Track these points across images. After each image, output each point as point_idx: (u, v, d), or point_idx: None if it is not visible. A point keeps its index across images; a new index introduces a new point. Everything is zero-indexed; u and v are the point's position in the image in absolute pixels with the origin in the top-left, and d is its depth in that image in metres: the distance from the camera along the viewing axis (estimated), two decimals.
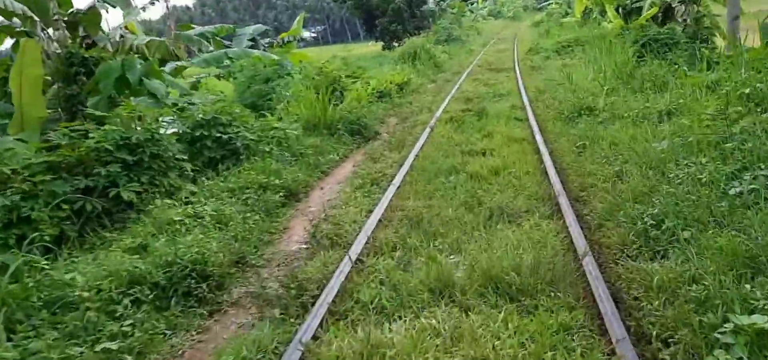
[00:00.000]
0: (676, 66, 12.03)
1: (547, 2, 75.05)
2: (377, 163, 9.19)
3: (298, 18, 25.03)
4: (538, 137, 9.22)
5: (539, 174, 7.39)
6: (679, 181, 5.61)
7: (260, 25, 28.93)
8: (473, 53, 31.35)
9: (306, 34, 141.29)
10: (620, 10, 28.15)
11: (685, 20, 18.31)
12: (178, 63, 14.58)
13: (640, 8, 27.49)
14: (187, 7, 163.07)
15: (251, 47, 24.07)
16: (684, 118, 7.80)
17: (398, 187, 7.52)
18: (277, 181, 8.12)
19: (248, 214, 6.97)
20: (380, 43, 38.29)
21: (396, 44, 33.85)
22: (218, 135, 9.45)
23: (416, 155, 9.18)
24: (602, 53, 17.71)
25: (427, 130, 11.24)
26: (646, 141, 7.29)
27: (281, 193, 7.88)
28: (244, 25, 28.29)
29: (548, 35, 34.86)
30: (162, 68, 13.89)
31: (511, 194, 6.71)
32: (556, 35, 30.09)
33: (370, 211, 6.69)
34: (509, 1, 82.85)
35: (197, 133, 9.40)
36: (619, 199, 5.70)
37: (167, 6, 16.94)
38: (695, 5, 18.42)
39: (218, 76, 22.59)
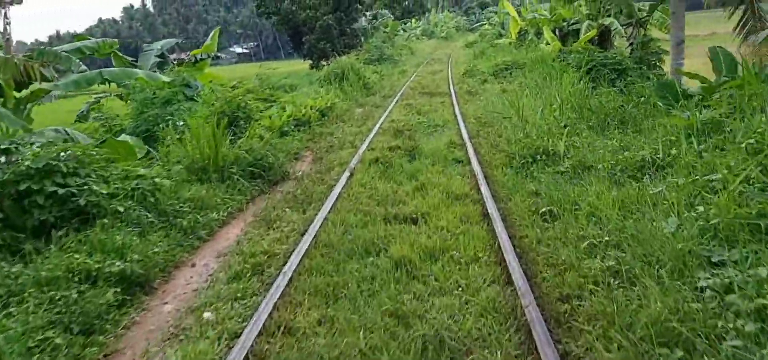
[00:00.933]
0: (640, 98, 10.13)
1: (480, 23, 74.94)
2: (270, 232, 6.62)
3: (212, 33, 22.20)
4: (486, 192, 6.92)
5: (494, 263, 5.03)
6: (730, 308, 3.35)
7: (171, 39, 25.86)
8: (406, 74, 29.28)
9: (238, 49, 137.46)
10: (557, 31, 26.83)
11: (631, 44, 16.78)
12: (41, 85, 11.53)
13: (578, 31, 26.23)
14: (114, 21, 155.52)
15: (160, 65, 21.23)
16: (681, 175, 5.69)
17: (289, 281, 5.02)
18: (116, 265, 5.47)
19: (50, 337, 4.34)
20: (309, 61, 35.67)
21: (325, 63, 31.39)
22: (54, 189, 6.70)
23: (325, 218, 6.70)
24: (547, 79, 15.89)
25: (346, 174, 8.81)
26: (642, 215, 5.09)
27: (119, 287, 5.25)
28: (166, 39, 25.18)
29: (483, 56, 33.32)
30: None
31: (456, 305, 4.32)
32: (492, 57, 28.44)
33: (236, 336, 4.18)
34: (442, 22, 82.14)
35: (23, 187, 6.62)
36: (635, 337, 3.39)
37: (5, 15, 13.47)
38: (642, 28, 16.92)
39: (121, 97, 19.49)
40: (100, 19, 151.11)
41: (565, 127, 9.03)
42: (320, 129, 14.10)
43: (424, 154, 9.72)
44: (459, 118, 13.40)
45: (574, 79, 14.19)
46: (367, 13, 48.58)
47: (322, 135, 13.37)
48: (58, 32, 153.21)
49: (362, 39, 47.18)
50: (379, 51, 37.80)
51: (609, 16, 24.47)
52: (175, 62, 21.65)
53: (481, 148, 9.65)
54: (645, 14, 17.11)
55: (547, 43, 25.66)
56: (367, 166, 9.16)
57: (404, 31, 65.80)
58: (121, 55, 18.66)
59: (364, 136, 12.18)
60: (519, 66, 21.81)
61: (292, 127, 13.85)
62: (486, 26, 60.28)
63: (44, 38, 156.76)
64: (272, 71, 22.43)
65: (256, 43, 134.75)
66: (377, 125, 13.51)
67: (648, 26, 17.27)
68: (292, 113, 14.27)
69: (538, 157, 7.88)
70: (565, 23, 27.06)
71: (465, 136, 10.85)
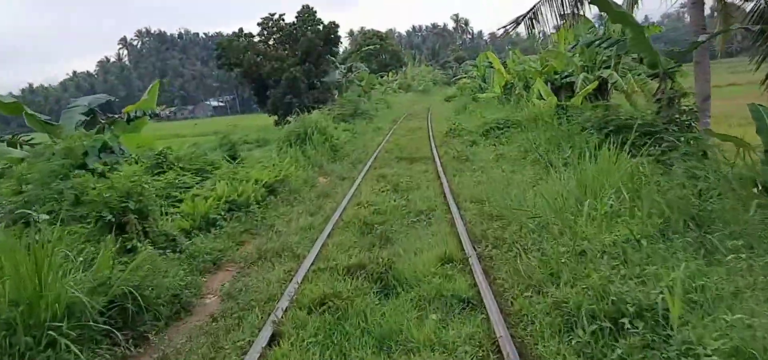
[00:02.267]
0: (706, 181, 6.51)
1: (458, 77, 72.34)
2: None
3: (150, 86, 18.34)
4: None
5: None
6: None
7: (101, 95, 21.95)
8: (381, 132, 25.62)
9: (213, 103, 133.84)
10: (549, 85, 23.55)
11: (657, 99, 13.26)
12: None
13: (571, 84, 22.91)
14: (89, 74, 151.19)
15: (89, 123, 17.32)
16: None
17: None
18: None
19: None
20: (274, 117, 31.88)
21: (290, 119, 27.66)
22: None
23: None
24: (558, 147, 12.36)
25: (268, 330, 4.89)
26: None
27: None
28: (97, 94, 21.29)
29: (466, 112, 29.94)
30: None
31: None
32: (476, 113, 24.99)
33: None
34: (420, 75, 79.68)
35: None
36: None
37: None
38: (671, 80, 13.45)
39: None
40: (74, 72, 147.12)
41: (640, 241, 5.20)
42: (263, 214, 10.18)
43: (404, 280, 5.80)
44: (450, 200, 9.57)
45: (593, 142, 10.72)
46: (341, 66, 45.32)
47: (262, 227, 9.43)
48: (30, 85, 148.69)
49: (336, 93, 43.83)
50: (354, 106, 34.33)
51: (607, 67, 21.27)
52: (104, 121, 17.65)
53: (499, 276, 5.75)
54: (673, 64, 13.69)
55: (540, 98, 22.31)
56: (305, 315, 5.19)
57: (381, 84, 62.77)
58: (33, 113, 14.91)
59: (315, 235, 8.24)
60: (513, 124, 18.29)
61: (224, 211, 9.92)
62: (464, 80, 57.53)
63: (17, 91, 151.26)
64: (234, 126, 18.63)
65: (232, 96, 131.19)
66: (338, 211, 9.61)
67: (675, 78, 13.81)
68: (225, 194, 10.33)
69: (624, 319, 3.99)
70: (557, 76, 23.81)
71: (466, 241, 6.96)
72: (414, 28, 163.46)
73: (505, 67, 30.42)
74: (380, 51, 79.06)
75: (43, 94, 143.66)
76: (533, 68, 25.65)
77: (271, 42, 30.81)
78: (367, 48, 65.94)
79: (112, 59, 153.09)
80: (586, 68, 22.82)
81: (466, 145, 17.16)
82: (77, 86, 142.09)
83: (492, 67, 43.70)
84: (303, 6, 31.31)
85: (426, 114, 36.54)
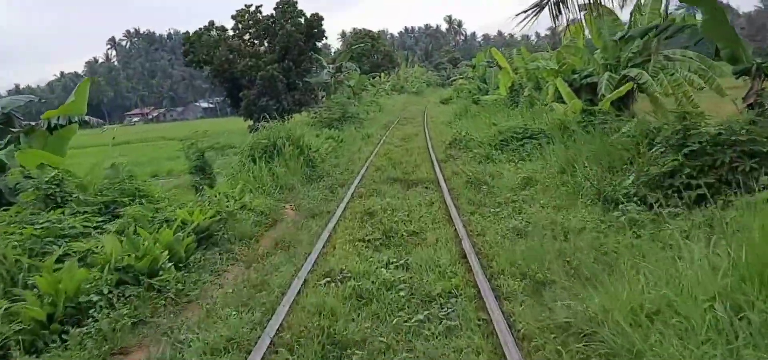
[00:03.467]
0: None
1: (453, 79, 68.46)
2: None
3: (78, 86, 14.39)
4: None
5: None
6: None
7: (23, 96, 17.94)
8: (371, 141, 21.66)
9: (203, 104, 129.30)
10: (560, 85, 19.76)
11: (750, 105, 9.40)
12: None
13: (592, 86, 19.02)
14: (77, 75, 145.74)
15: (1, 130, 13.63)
16: None
17: None
18: None
19: None
20: (249, 122, 27.64)
21: (267, 123, 23.53)
22: None
23: None
24: (611, 170, 8.57)
25: None
26: None
27: None
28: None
29: (468, 116, 26.00)
30: None
31: None
32: (484, 119, 21.06)
33: None
34: (413, 76, 75.77)
35: None
36: None
37: None
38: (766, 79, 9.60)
39: None
40: (62, 73, 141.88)
41: None
42: (175, 292, 6.21)
43: None
44: (478, 272, 5.65)
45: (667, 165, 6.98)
46: (330, 66, 41.32)
47: (160, 326, 5.48)
48: (17, 86, 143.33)
49: (324, 94, 39.79)
50: (342, 109, 30.29)
51: (636, 66, 17.46)
52: (18, 130, 13.55)
53: None
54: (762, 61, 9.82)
55: (559, 101, 18.52)
56: None
57: (372, 86, 58.78)
58: None
59: None
60: (535, 134, 14.43)
61: (111, 287, 5.97)
62: (461, 81, 53.67)
63: (3, 92, 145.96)
64: (203, 132, 14.61)
65: (222, 98, 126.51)
66: (291, 292, 5.66)
67: None
68: (116, 255, 6.35)
69: None
70: (575, 75, 19.94)
71: None
72: (406, 29, 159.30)
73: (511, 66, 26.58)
74: (372, 51, 74.99)
75: (28, 94, 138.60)
76: (547, 67, 21.84)
77: (246, 37, 26.77)
78: (357, 47, 61.92)
79: (101, 60, 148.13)
80: (609, 67, 19.10)
81: (478, 162, 13.27)
82: (64, 87, 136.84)
83: (492, 66, 39.93)
84: None
85: (422, 118, 32.63)
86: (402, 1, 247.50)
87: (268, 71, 24.39)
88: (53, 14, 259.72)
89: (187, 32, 24.89)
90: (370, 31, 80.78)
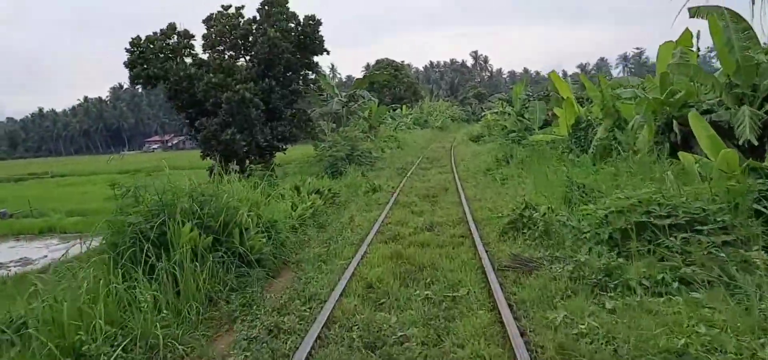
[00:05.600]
0: None
1: (482, 114, 60.96)
2: None
3: None
4: None
5: None
6: None
7: None
8: (376, 201, 14.18)
9: None
10: (677, 124, 12.32)
11: None
12: None
13: (726, 127, 11.60)
14: (100, 100, 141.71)
15: None
16: None
17: None
18: None
19: None
20: (210, 161, 19.84)
21: (237, 166, 15.98)
22: None
23: None
24: None
25: None
26: None
27: None
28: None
29: (516, 163, 18.45)
30: None
31: None
32: (548, 170, 13.53)
33: None
34: (437, 110, 68.51)
35: None
36: None
37: None
38: None
39: None
40: (85, 97, 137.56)
41: None
42: None
43: None
44: None
45: None
46: (341, 94, 34.39)
47: None
48: (40, 110, 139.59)
49: (334, 127, 32.69)
50: (350, 145, 23.08)
51: None
52: None
53: None
54: None
55: (670, 142, 11.21)
56: None
57: (392, 118, 51.68)
58: None
59: None
60: (689, 219, 6.86)
61: None
62: (488, 115, 46.29)
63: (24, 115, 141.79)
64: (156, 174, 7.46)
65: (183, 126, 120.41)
66: None
67: None
68: None
69: None
70: (690, 108, 12.44)
71: None
72: (431, 63, 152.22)
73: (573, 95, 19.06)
74: (395, 82, 68.09)
75: (52, 118, 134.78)
76: (642, 96, 14.37)
77: (220, 47, 19.59)
78: (378, 74, 55.01)
79: (126, 86, 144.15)
80: (742, 97, 11.83)
81: (590, 294, 5.72)
82: (86, 111, 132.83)
83: (532, 98, 32.56)
84: None
85: (449, 159, 25.21)
86: (427, 39, 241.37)
87: (237, 92, 17.13)
88: (80, 40, 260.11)
89: (138, 37, 17.82)
90: (393, 61, 74.12)
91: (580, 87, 26.02)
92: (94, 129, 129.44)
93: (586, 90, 19.80)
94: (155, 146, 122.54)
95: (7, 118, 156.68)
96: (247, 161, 19.36)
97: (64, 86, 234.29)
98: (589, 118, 18.01)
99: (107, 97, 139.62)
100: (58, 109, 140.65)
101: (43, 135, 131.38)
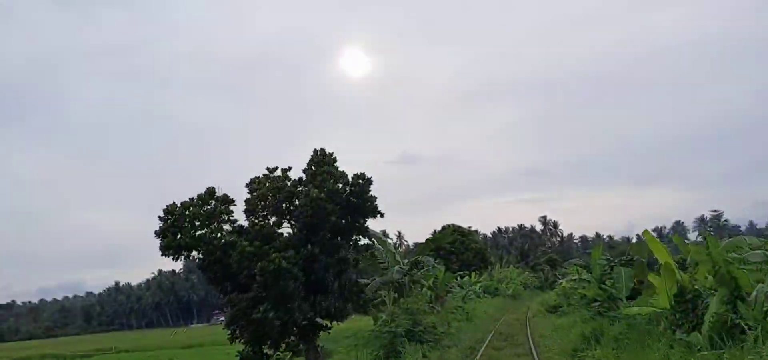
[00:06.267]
0: None
1: (557, 282, 56.54)
2: None
3: None
4: None
5: None
6: None
7: None
8: None
9: None
10: None
11: None
12: None
13: None
14: (173, 273, 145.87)
15: None
16: None
17: None
18: None
19: None
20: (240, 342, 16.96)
21: (269, 352, 13.22)
22: None
23: None
24: None
25: None
26: None
27: None
28: None
29: (611, 344, 14.94)
30: None
31: None
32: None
33: None
34: (508, 277, 64.42)
35: None
36: None
37: None
38: None
39: None
40: (159, 271, 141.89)
41: None
42: None
43: None
44: None
45: None
46: (404, 261, 32.00)
47: None
48: (117, 283, 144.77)
49: (396, 296, 29.94)
50: (411, 320, 20.28)
51: None
52: None
53: None
54: None
55: None
56: None
57: (460, 287, 48.26)
58: None
59: None
60: None
61: None
62: (564, 283, 42.27)
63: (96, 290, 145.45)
64: None
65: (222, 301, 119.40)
66: None
67: None
68: None
69: None
70: None
71: None
72: (499, 229, 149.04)
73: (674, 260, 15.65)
74: (462, 248, 65.30)
75: (126, 292, 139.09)
76: None
77: (263, 212, 17.79)
78: (442, 237, 52.53)
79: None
80: None
81: None
82: (159, 284, 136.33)
83: (614, 264, 28.93)
84: (316, 149, 18.21)
85: (526, 337, 21.67)
86: (493, 207, 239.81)
87: (273, 261, 14.87)
88: (154, 217, 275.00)
89: (173, 204, 16.38)
90: (460, 226, 71.91)
91: (674, 249, 22.59)
92: (165, 302, 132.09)
93: (681, 253, 16.48)
94: (223, 318, 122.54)
95: (87, 292, 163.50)
96: (284, 343, 16.71)
97: (141, 259, 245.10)
98: (695, 286, 14.51)
99: (180, 269, 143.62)
100: (134, 283, 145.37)
101: (117, 309, 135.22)
